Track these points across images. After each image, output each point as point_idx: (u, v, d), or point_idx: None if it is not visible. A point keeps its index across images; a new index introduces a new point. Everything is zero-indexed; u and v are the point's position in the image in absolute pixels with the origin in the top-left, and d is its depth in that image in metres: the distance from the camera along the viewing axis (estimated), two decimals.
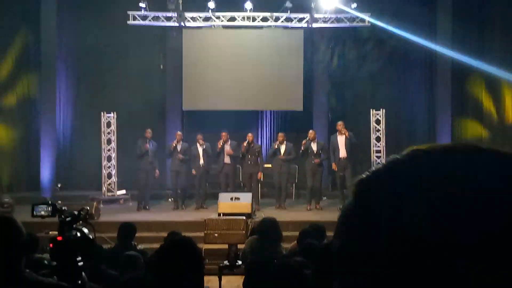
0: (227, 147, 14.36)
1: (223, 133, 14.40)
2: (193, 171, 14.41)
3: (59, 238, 3.48)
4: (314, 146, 14.17)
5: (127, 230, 7.42)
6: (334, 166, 14.31)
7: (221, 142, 14.31)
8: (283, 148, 14.34)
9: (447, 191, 0.62)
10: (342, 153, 14.17)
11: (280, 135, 14.52)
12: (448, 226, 0.61)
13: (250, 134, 14.53)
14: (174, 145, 14.41)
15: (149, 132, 14.46)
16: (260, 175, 14.46)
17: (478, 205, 0.61)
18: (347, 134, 14.15)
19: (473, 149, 0.67)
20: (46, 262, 5.49)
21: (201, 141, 14.42)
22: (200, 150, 14.40)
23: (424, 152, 0.68)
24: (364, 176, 0.70)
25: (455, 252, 0.60)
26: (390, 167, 0.69)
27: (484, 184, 0.62)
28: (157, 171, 14.54)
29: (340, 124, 14.36)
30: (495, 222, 0.60)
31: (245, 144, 14.27)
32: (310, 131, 14.54)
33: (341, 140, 14.22)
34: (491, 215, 0.60)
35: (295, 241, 7.48)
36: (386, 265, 0.63)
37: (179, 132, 14.78)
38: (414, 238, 0.62)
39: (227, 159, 14.35)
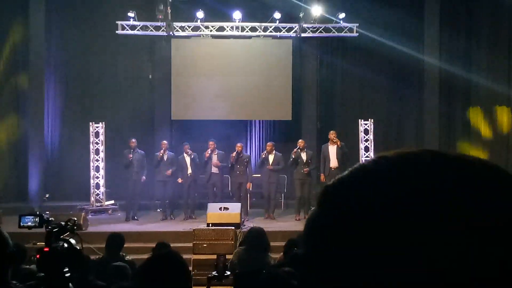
0: (214, 157, 14.33)
1: (210, 142, 14.39)
2: (179, 179, 14.35)
3: (46, 249, 3.46)
4: (303, 156, 14.16)
5: (116, 240, 7.39)
6: (322, 177, 14.30)
7: (208, 151, 14.29)
8: (271, 158, 14.33)
9: (410, 200, 0.62)
10: (333, 162, 14.14)
11: (269, 145, 14.51)
12: (411, 235, 0.61)
13: (239, 144, 14.53)
14: (161, 155, 14.37)
15: (133, 142, 14.39)
16: (249, 185, 14.45)
17: (442, 213, 0.61)
18: (339, 143, 14.15)
19: (440, 156, 0.67)
20: (33, 273, 5.45)
21: (188, 151, 14.38)
22: (188, 159, 14.36)
23: (388, 159, 0.68)
24: (329, 183, 0.70)
25: (419, 259, 0.60)
26: (354, 174, 0.68)
27: (448, 193, 0.62)
28: (143, 177, 14.45)
29: (332, 133, 14.35)
30: (460, 231, 0.60)
31: (234, 154, 14.27)
32: (300, 140, 14.54)
33: (332, 149, 14.20)
34: (456, 223, 0.60)
35: (283, 252, 7.48)
36: (348, 272, 0.63)
37: (164, 142, 14.72)
38: (376, 246, 0.62)
39: (214, 169, 14.33)
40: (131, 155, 14.22)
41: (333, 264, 0.65)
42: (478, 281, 0.59)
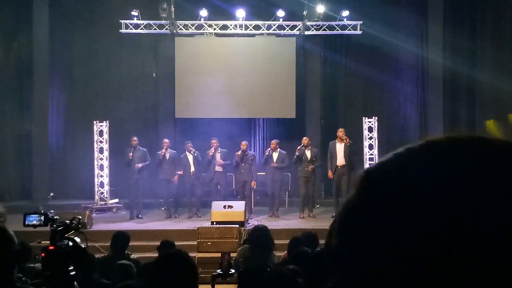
0: (218, 155, 14.32)
1: (213, 141, 14.37)
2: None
3: (51, 248, 3.46)
4: (308, 153, 14.14)
5: (121, 239, 7.40)
6: (330, 174, 14.27)
7: (212, 150, 14.29)
8: (275, 156, 14.31)
9: (460, 185, 0.58)
10: (340, 160, 14.08)
11: (273, 143, 14.48)
12: (459, 222, 0.57)
13: (244, 142, 14.50)
14: (163, 153, 14.37)
15: (134, 140, 14.36)
16: (254, 184, 14.44)
17: (494, 200, 0.58)
18: (347, 141, 14.11)
19: (491, 142, 0.63)
20: (38, 271, 5.46)
21: (191, 149, 14.37)
22: (190, 158, 14.36)
23: (438, 143, 0.64)
24: (371, 166, 0.66)
25: (467, 249, 0.56)
26: (401, 158, 0.64)
27: (501, 179, 0.59)
28: (138, 164, 14.18)
29: (341, 131, 14.30)
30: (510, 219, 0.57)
31: (239, 152, 14.25)
32: (304, 138, 14.53)
33: (340, 147, 14.15)
34: (509, 211, 0.57)
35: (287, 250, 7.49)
36: (392, 263, 0.59)
37: (166, 140, 14.71)
38: (423, 234, 0.58)
39: (218, 168, 14.32)
40: (131, 154, 14.21)
41: (375, 257, 0.60)
42: None
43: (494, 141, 0.63)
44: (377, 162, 0.66)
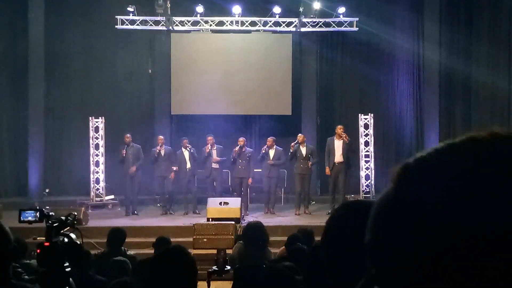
0: (214, 152, 14.32)
1: (209, 137, 14.37)
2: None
3: (47, 244, 3.46)
4: (303, 150, 14.12)
5: (117, 235, 7.40)
6: (327, 171, 14.25)
7: (208, 147, 14.27)
8: (272, 153, 14.30)
9: (502, 184, 0.56)
10: (338, 157, 14.05)
11: (269, 140, 14.45)
12: (502, 224, 0.55)
13: (241, 139, 14.46)
14: (158, 150, 14.37)
15: (128, 137, 14.37)
16: (250, 180, 14.42)
17: None
18: (346, 138, 14.10)
19: None
20: (33, 268, 5.45)
21: (187, 146, 14.36)
22: (186, 154, 14.35)
23: (480, 141, 0.61)
24: (409, 161, 0.63)
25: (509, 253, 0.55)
26: (442, 154, 0.62)
27: None
28: (133, 168, 14.18)
29: (340, 128, 14.26)
30: None
31: (237, 149, 14.23)
32: (299, 134, 14.53)
33: (338, 144, 14.12)
34: None
35: (284, 246, 7.48)
36: (429, 261, 0.57)
37: (160, 136, 14.73)
38: (463, 234, 0.56)
39: (214, 164, 14.32)
40: (124, 151, 14.21)
41: (412, 254, 0.59)
42: None
43: None
44: (415, 156, 0.64)
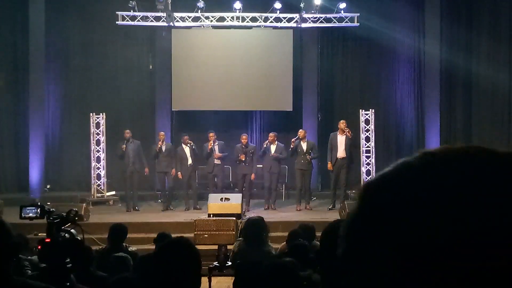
0: (216, 148, 14.31)
1: (211, 134, 14.36)
2: (179, 175, 14.33)
3: (48, 240, 3.46)
4: (304, 145, 14.11)
5: (118, 231, 7.38)
6: (329, 166, 14.22)
7: (211, 143, 14.27)
8: (273, 148, 14.29)
9: (460, 198, 0.60)
10: (341, 152, 14.02)
11: (271, 135, 14.44)
12: (459, 234, 0.58)
13: (244, 136, 14.49)
14: (159, 146, 14.37)
15: (127, 133, 14.39)
16: (253, 176, 14.42)
17: (494, 212, 0.59)
18: (349, 133, 14.09)
19: (488, 153, 0.64)
20: (35, 264, 5.46)
21: (188, 141, 14.36)
22: (187, 150, 14.35)
23: (434, 156, 0.65)
24: (371, 180, 0.67)
25: (469, 262, 0.58)
26: (398, 171, 0.65)
27: (499, 190, 0.60)
28: (146, 169, 14.48)
29: (342, 123, 14.23)
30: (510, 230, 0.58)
31: (243, 145, 14.22)
32: (300, 130, 14.53)
33: (341, 139, 14.09)
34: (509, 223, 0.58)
35: (285, 242, 7.47)
36: (392, 272, 0.61)
37: (161, 132, 14.77)
38: (424, 246, 0.59)
39: (216, 160, 14.32)
40: (124, 146, 14.23)
41: (373, 263, 0.62)
42: None
43: (491, 152, 0.64)
44: (376, 175, 0.68)
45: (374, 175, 0.69)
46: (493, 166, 0.62)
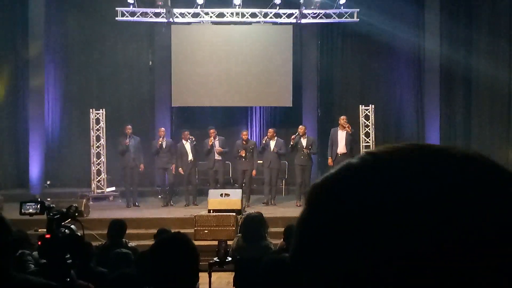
0: (216, 143, 14.31)
1: (211, 130, 14.36)
2: (180, 170, 14.34)
3: (48, 236, 3.47)
4: (303, 142, 14.12)
5: (117, 227, 7.40)
6: (330, 161, 14.21)
7: (211, 139, 14.26)
8: (273, 144, 14.30)
9: (397, 197, 0.61)
10: (341, 148, 14.01)
11: (270, 131, 14.46)
12: (400, 233, 0.60)
13: (245, 132, 14.51)
14: (160, 142, 14.38)
15: (129, 129, 14.41)
16: (254, 173, 14.43)
17: (431, 210, 0.60)
18: (349, 129, 14.09)
19: (427, 150, 0.66)
20: (35, 259, 5.47)
21: (189, 137, 14.36)
22: (188, 146, 14.36)
23: (375, 156, 0.67)
24: (317, 182, 0.69)
25: (411, 260, 0.60)
26: (341, 172, 0.68)
27: (436, 187, 0.61)
28: (141, 165, 14.50)
29: (343, 118, 14.23)
30: (452, 228, 0.60)
31: (244, 141, 14.23)
32: (300, 126, 14.53)
33: (341, 135, 14.09)
34: (448, 220, 0.60)
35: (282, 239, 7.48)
36: (336, 273, 0.63)
37: (161, 128, 14.79)
38: (363, 246, 0.61)
39: (217, 156, 14.32)
40: (127, 141, 14.25)
41: (322, 262, 0.64)
42: None
43: (431, 149, 0.67)
44: (322, 176, 0.70)
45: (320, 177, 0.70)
46: (430, 164, 0.64)
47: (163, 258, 2.96)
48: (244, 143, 14.27)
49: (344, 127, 14.06)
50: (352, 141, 14.22)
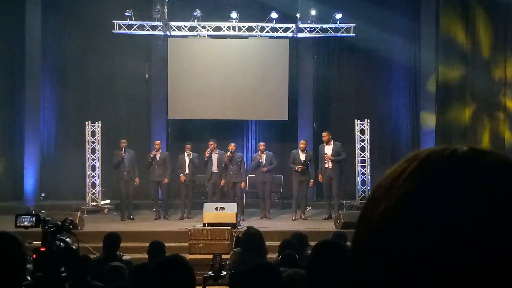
0: (215, 156, 14.32)
1: (211, 142, 14.36)
2: (182, 177, 14.33)
3: (43, 249, 3.46)
4: (302, 156, 14.18)
5: (112, 240, 7.39)
6: (320, 177, 14.30)
7: (208, 151, 14.27)
8: (263, 158, 14.37)
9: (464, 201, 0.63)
10: (328, 163, 14.14)
11: (261, 144, 14.62)
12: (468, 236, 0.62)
13: (232, 144, 14.54)
14: (152, 155, 14.38)
15: (123, 142, 14.43)
16: (244, 185, 14.44)
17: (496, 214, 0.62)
18: (331, 144, 14.16)
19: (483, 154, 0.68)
20: (29, 272, 5.44)
21: (188, 151, 14.39)
22: (187, 160, 14.37)
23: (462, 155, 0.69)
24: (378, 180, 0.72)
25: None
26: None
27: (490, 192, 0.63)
28: (136, 179, 14.49)
29: (324, 135, 14.37)
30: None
31: (228, 154, 14.26)
32: (302, 141, 14.62)
33: (328, 149, 14.18)
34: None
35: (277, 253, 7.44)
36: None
37: (157, 141, 14.79)
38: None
39: (214, 168, 14.32)
40: (122, 152, 14.25)
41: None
42: None
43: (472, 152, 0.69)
44: (383, 175, 0.73)
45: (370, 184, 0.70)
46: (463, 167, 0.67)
47: (160, 280, 2.96)
48: (230, 154, 14.24)
49: (330, 142, 14.13)
50: (338, 155, 14.24)
